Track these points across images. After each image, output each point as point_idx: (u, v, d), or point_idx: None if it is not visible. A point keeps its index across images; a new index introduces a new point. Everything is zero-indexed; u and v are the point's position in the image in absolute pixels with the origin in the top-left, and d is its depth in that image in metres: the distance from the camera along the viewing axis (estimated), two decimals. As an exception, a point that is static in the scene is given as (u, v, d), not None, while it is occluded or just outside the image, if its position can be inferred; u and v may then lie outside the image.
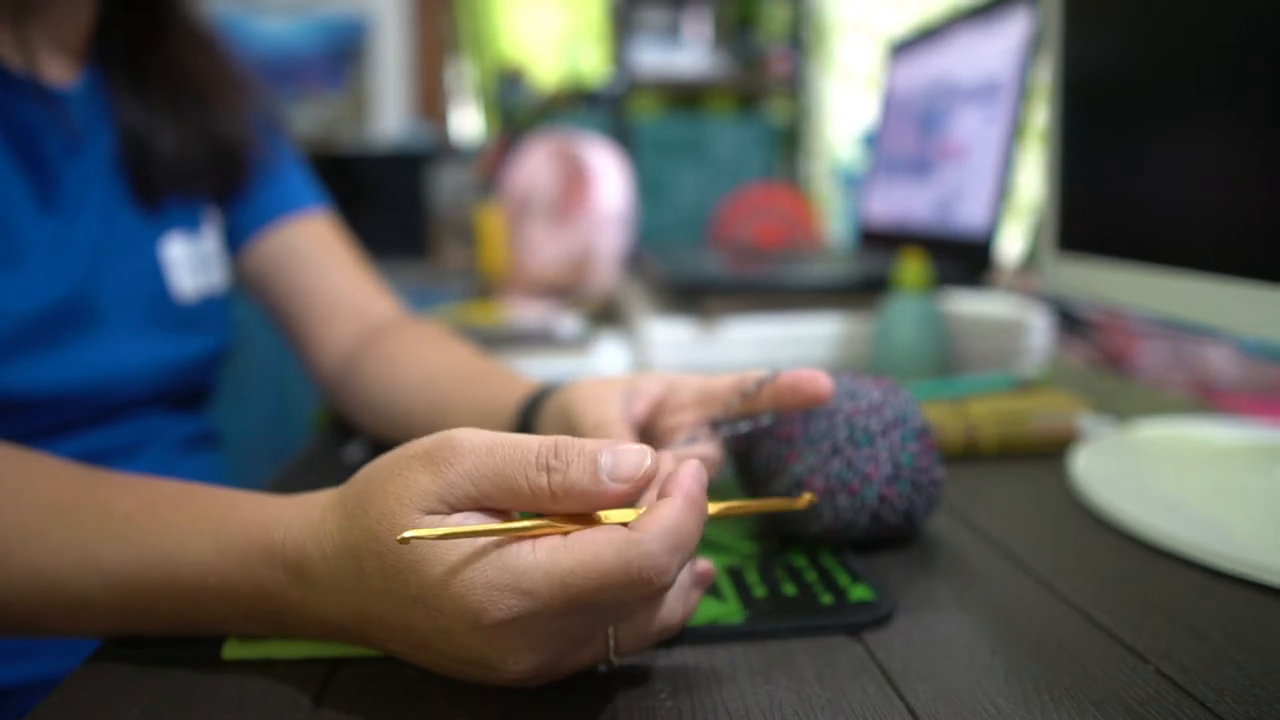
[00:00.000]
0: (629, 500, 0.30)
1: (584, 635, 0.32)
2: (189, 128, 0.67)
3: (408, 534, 0.28)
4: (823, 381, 0.43)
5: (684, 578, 0.35)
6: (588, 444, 0.30)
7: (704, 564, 0.38)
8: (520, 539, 0.29)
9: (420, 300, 1.31)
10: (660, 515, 0.29)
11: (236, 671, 0.35)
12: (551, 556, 0.28)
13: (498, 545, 0.29)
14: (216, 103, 0.69)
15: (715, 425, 0.46)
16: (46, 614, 0.38)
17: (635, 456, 0.30)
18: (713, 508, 0.33)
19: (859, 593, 0.40)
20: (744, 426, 0.45)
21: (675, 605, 0.35)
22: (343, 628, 0.34)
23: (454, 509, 0.30)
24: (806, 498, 0.38)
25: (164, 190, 0.66)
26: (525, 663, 0.30)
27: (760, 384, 0.44)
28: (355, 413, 0.66)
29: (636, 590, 0.28)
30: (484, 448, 0.29)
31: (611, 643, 0.33)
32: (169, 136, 0.66)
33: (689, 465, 0.31)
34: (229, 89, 0.70)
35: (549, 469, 0.29)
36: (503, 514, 0.30)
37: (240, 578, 0.34)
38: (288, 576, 0.33)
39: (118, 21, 0.66)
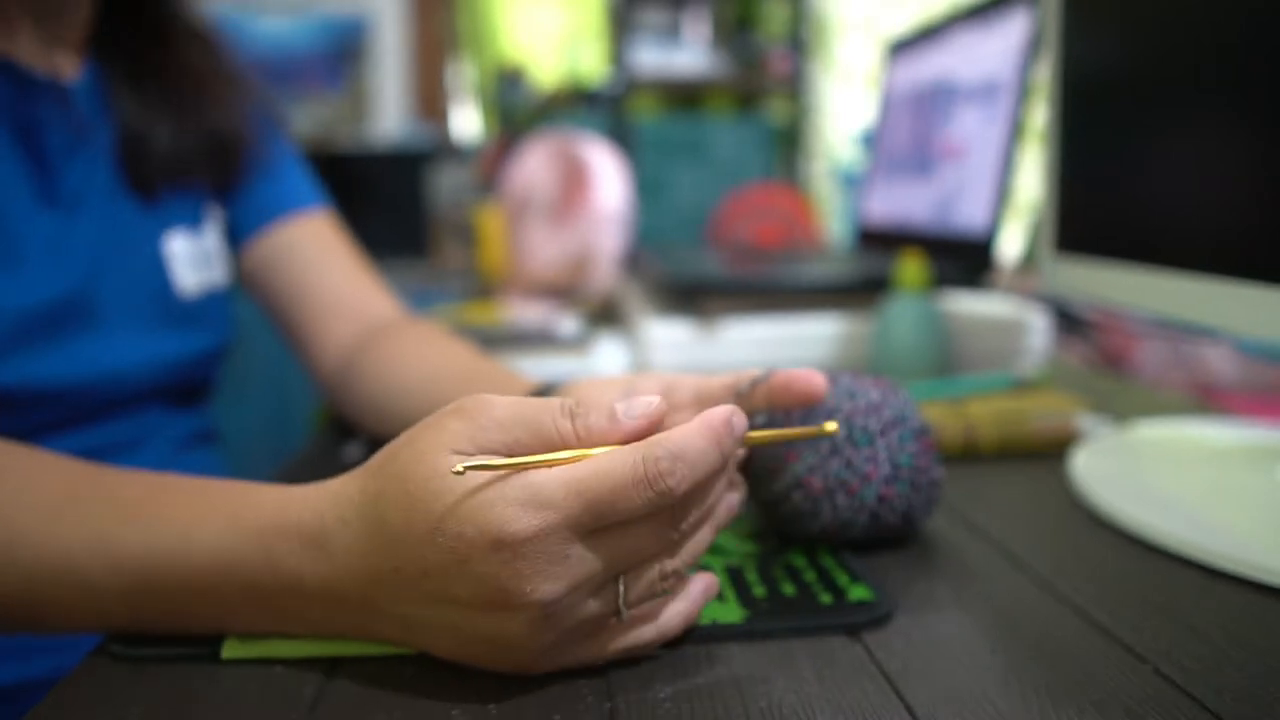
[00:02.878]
0: (645, 435, 0.33)
1: (597, 581, 0.32)
2: (185, 122, 0.68)
3: (461, 465, 0.30)
4: (816, 380, 0.43)
5: (689, 586, 0.37)
6: (605, 400, 0.34)
7: (709, 576, 0.38)
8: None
9: (420, 300, 1.31)
10: (672, 430, 0.32)
11: (235, 671, 0.35)
12: (568, 470, 0.31)
13: (519, 469, 0.31)
14: (213, 98, 0.69)
15: (714, 425, 0.46)
16: (52, 606, 0.37)
17: (645, 399, 0.34)
18: (752, 434, 0.36)
19: (858, 593, 0.40)
20: (743, 426, 0.45)
21: (674, 612, 0.36)
22: (353, 600, 0.34)
23: (482, 452, 0.32)
24: (832, 426, 0.38)
25: (160, 182, 0.66)
26: (543, 591, 0.31)
27: (754, 383, 0.44)
28: (355, 412, 0.66)
29: (647, 493, 0.31)
30: (514, 400, 0.33)
31: (621, 589, 0.33)
32: (165, 130, 0.66)
33: (724, 406, 0.34)
34: (226, 85, 0.71)
35: (573, 415, 0.33)
36: None
37: (254, 555, 0.35)
38: (303, 549, 0.34)
39: (117, 18, 0.66)
